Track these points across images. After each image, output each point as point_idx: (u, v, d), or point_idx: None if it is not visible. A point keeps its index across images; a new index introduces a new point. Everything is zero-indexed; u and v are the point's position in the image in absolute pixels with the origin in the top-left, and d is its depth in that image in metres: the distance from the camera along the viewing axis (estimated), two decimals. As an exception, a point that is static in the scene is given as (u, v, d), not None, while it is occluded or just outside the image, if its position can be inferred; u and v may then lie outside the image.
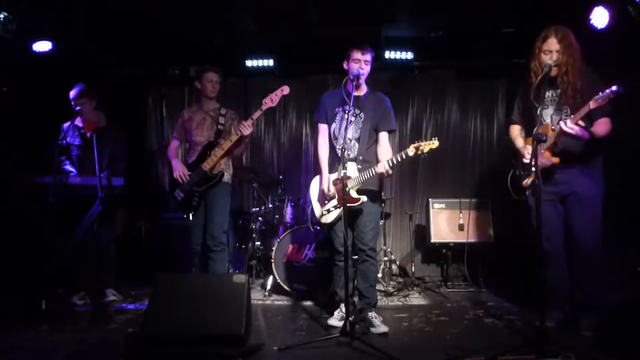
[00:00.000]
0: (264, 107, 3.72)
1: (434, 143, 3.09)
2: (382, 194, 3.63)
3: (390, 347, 2.85)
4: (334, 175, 3.41)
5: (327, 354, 2.88)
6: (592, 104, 2.83)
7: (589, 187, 3.14)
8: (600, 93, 2.78)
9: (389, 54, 5.20)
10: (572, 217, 3.19)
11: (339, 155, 3.19)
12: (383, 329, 3.29)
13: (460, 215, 4.95)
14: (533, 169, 2.80)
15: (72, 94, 4.07)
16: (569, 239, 3.22)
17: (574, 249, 3.19)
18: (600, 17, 3.67)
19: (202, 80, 3.95)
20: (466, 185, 5.57)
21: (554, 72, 3.10)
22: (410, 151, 3.11)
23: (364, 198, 3.31)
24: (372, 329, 3.31)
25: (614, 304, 2.83)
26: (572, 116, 2.99)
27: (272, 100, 3.71)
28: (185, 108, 4.72)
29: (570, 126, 2.94)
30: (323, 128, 3.58)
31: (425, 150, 3.08)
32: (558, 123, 3.05)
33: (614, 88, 2.71)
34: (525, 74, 3.31)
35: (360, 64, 3.35)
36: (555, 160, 3.13)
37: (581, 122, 2.97)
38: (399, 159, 3.17)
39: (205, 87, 3.95)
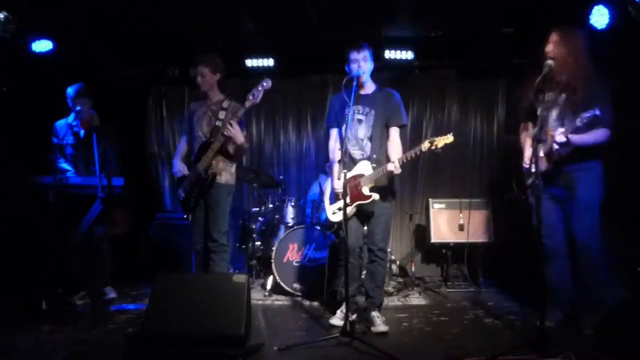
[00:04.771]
0: (247, 104, 3.60)
1: (449, 138, 3.05)
2: (395, 194, 3.59)
3: (390, 347, 2.85)
4: (350, 174, 3.32)
5: (327, 354, 2.88)
6: (578, 122, 2.87)
7: (587, 189, 3.13)
8: (586, 114, 2.82)
9: (389, 54, 5.18)
10: (571, 220, 3.18)
11: (349, 155, 3.16)
12: (382, 328, 3.28)
13: (460, 215, 4.95)
14: (533, 169, 2.80)
15: (71, 92, 4.06)
16: (570, 240, 3.21)
17: (574, 250, 3.19)
18: (600, 17, 3.67)
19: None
20: (466, 185, 5.55)
21: (554, 72, 3.07)
22: (424, 146, 3.08)
23: (375, 196, 3.29)
24: (372, 328, 3.31)
25: (615, 303, 2.82)
26: (564, 129, 2.99)
27: (254, 95, 3.56)
28: (185, 107, 4.70)
29: (560, 140, 2.95)
30: (334, 133, 3.56)
31: (440, 145, 3.05)
32: (558, 129, 3.07)
33: (596, 112, 2.77)
34: (524, 74, 3.31)
35: (358, 62, 3.33)
36: (550, 165, 3.14)
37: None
38: (413, 156, 3.15)
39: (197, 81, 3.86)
